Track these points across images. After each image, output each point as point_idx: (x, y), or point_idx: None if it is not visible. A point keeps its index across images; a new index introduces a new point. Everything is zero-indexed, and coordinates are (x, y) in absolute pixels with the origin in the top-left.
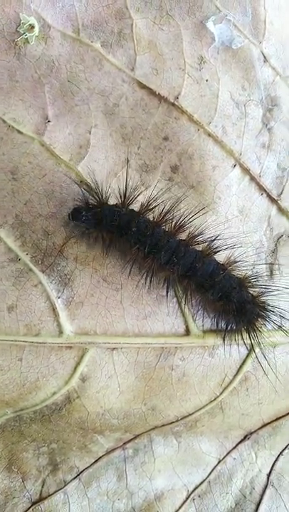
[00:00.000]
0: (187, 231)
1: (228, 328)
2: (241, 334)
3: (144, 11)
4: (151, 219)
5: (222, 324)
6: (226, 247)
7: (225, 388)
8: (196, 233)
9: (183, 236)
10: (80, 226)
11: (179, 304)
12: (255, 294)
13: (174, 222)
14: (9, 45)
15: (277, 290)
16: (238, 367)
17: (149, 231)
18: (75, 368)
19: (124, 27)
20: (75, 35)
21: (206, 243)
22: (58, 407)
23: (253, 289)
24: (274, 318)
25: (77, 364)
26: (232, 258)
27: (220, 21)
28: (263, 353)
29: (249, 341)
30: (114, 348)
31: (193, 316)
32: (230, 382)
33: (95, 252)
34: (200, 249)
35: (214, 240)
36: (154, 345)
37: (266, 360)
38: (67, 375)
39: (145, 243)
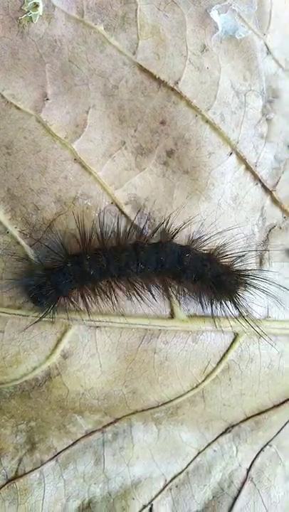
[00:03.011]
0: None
1: (213, 306)
2: (227, 309)
3: None
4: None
5: (206, 305)
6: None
7: (207, 376)
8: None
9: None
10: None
11: (165, 287)
12: (228, 264)
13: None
14: (13, 22)
15: (265, 279)
16: (222, 355)
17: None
18: (57, 344)
19: (128, 11)
20: (78, 17)
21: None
22: (38, 383)
23: (225, 260)
24: (253, 283)
25: (59, 340)
26: (193, 236)
27: (224, 11)
28: (254, 329)
29: (237, 315)
30: (97, 327)
31: (178, 300)
32: (213, 370)
33: (86, 227)
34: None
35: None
36: (137, 326)
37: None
38: (48, 350)
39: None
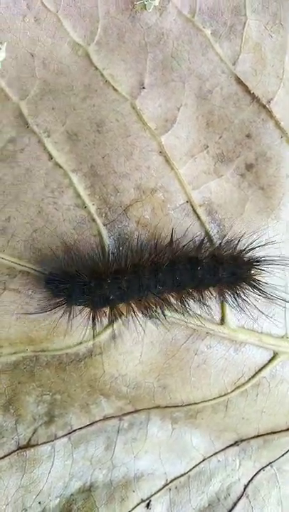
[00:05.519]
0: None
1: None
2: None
3: (260, 13)
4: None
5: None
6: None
7: (237, 387)
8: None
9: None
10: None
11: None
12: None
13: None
14: (127, 6)
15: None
16: (257, 370)
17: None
18: (108, 325)
19: (236, 23)
20: (189, 16)
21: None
22: (77, 358)
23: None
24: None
25: (111, 322)
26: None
27: None
28: None
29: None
30: (150, 317)
31: (231, 309)
32: (245, 383)
33: (157, 222)
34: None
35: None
36: (187, 324)
37: None
38: (99, 328)
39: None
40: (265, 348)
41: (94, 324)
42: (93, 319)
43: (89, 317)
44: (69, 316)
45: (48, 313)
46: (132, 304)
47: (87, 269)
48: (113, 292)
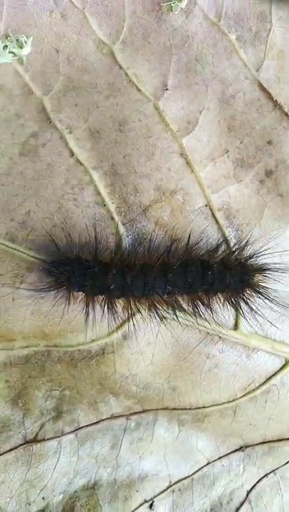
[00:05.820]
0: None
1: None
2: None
3: (285, 21)
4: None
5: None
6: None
7: (247, 393)
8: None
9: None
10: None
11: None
12: (244, 266)
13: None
14: (154, 7)
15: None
16: (268, 377)
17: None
18: (122, 324)
19: (262, 29)
20: (215, 20)
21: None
22: (90, 355)
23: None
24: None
25: (125, 321)
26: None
27: None
28: None
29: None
30: (163, 317)
31: (244, 314)
32: (254, 389)
33: (176, 223)
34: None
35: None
36: (201, 327)
37: None
38: (112, 326)
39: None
40: (277, 355)
41: (88, 313)
42: (88, 305)
43: (86, 304)
44: (69, 301)
45: (62, 308)
46: (138, 302)
47: (97, 260)
48: (116, 283)
